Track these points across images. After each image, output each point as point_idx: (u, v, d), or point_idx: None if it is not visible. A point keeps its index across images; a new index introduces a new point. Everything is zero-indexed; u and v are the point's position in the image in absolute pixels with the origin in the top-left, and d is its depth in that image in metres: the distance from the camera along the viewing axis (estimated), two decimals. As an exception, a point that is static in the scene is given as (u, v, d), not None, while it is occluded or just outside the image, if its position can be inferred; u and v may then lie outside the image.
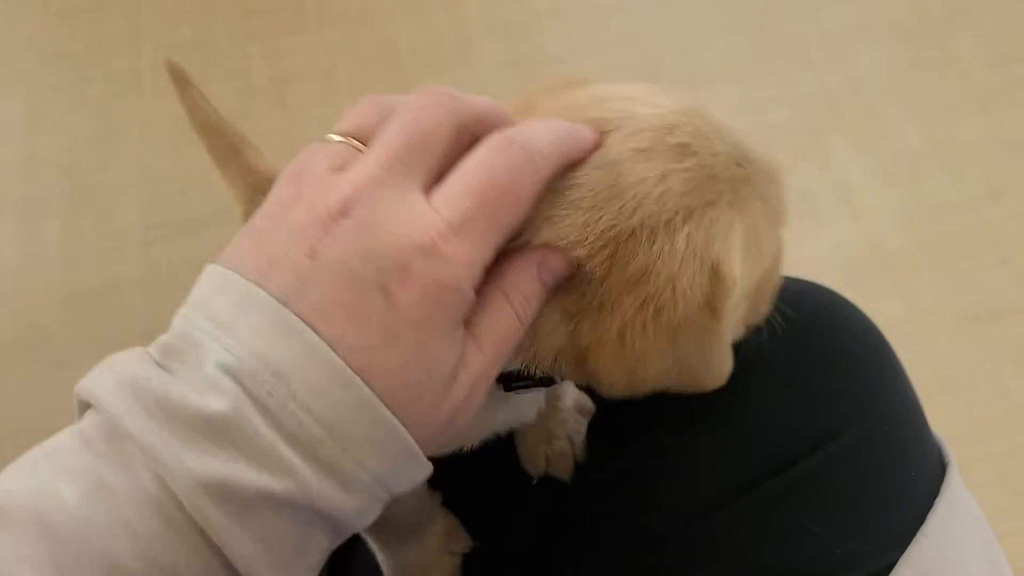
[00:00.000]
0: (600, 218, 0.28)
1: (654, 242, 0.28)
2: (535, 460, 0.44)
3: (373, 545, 0.42)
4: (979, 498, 0.76)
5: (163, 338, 0.24)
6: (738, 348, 0.43)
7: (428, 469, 0.26)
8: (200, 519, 0.22)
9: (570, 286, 0.28)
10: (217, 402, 0.22)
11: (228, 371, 0.22)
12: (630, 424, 0.42)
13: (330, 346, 0.23)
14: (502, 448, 0.45)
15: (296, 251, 0.23)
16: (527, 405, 0.37)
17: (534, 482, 0.44)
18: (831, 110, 1.02)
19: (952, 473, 0.40)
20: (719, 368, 0.31)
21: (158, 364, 0.24)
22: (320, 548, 0.25)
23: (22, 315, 0.89)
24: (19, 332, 0.88)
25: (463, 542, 0.43)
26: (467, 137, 0.27)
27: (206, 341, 0.23)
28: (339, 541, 0.26)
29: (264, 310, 0.23)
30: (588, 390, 0.45)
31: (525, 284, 0.27)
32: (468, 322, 0.26)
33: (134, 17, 1.09)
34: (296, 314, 0.23)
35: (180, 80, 0.62)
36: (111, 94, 1.03)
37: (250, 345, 0.23)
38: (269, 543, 0.23)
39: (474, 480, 0.45)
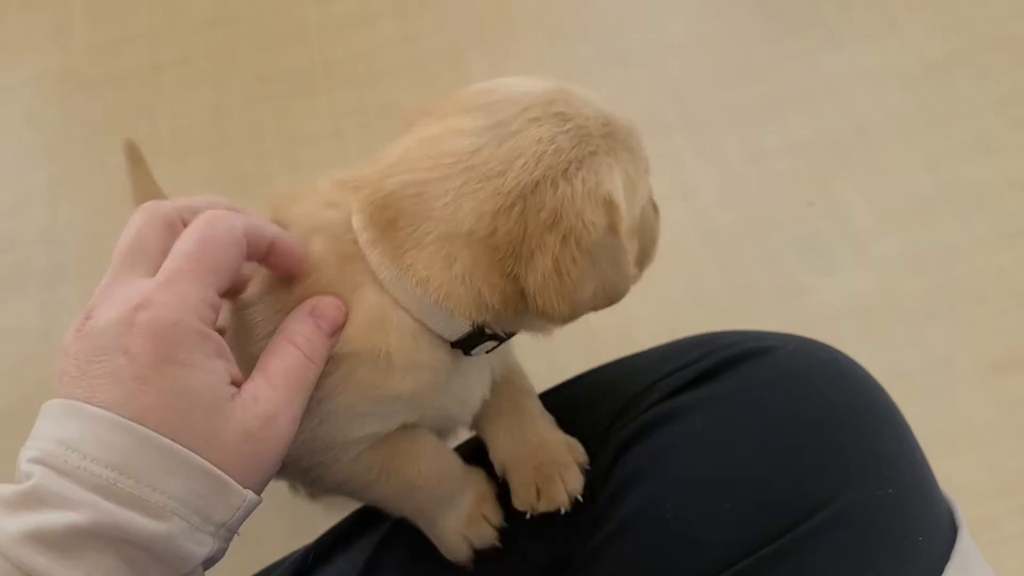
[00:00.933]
0: (506, 180, 0.35)
1: (557, 188, 0.35)
2: (527, 494, 0.44)
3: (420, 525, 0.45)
4: (1011, 553, 0.73)
5: None
6: (732, 409, 0.43)
7: (242, 492, 0.31)
8: (29, 568, 0.27)
9: (501, 250, 0.35)
10: (29, 483, 0.28)
11: (35, 460, 0.29)
12: (623, 483, 0.41)
13: (106, 409, 0.29)
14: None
15: (68, 363, 0.31)
16: (474, 381, 0.41)
17: (528, 516, 0.44)
18: (837, 156, 1.02)
19: (963, 536, 0.39)
20: (627, 281, 0.39)
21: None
22: None
23: (44, 381, 0.91)
24: (40, 397, 0.90)
25: (495, 511, 0.45)
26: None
27: (24, 452, 0.30)
28: None
29: (60, 410, 0.30)
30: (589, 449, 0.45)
31: (304, 328, 0.34)
32: (263, 367, 0.33)
33: (154, 87, 1.13)
34: (79, 400, 0.30)
35: (134, 158, 0.69)
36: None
37: (50, 438, 0.29)
38: None
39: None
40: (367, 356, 0.36)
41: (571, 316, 0.37)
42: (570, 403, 0.48)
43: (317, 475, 0.39)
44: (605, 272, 0.37)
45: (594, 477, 0.44)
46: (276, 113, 1.10)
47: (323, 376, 0.35)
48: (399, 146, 0.38)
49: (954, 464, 0.77)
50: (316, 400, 0.36)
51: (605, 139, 0.38)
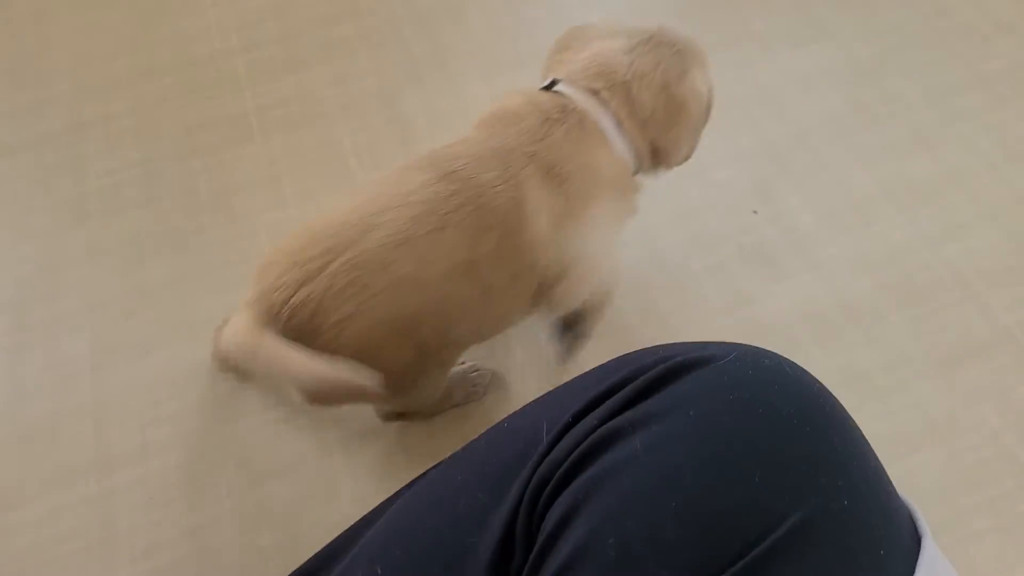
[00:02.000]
0: (655, 77, 0.68)
1: (677, 86, 0.69)
2: None
3: None
4: (982, 550, 0.71)
5: None
6: (673, 427, 0.40)
7: None
8: None
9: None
10: None
11: None
12: (562, 520, 0.38)
13: None
14: None
15: None
16: None
17: None
18: (777, 162, 1.02)
19: (927, 546, 0.37)
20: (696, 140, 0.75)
21: None
22: None
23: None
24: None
25: None
26: None
27: None
28: None
29: None
30: None
31: None
32: None
33: (77, 147, 1.10)
34: None
35: None
36: (55, 224, 1.03)
37: None
38: None
39: None
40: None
41: (679, 163, 0.72)
42: (499, 442, 0.45)
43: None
44: (693, 136, 0.70)
45: (526, 524, 0.41)
46: (208, 164, 1.07)
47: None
48: (584, 53, 0.70)
49: (918, 462, 0.76)
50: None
51: (693, 57, 0.68)
